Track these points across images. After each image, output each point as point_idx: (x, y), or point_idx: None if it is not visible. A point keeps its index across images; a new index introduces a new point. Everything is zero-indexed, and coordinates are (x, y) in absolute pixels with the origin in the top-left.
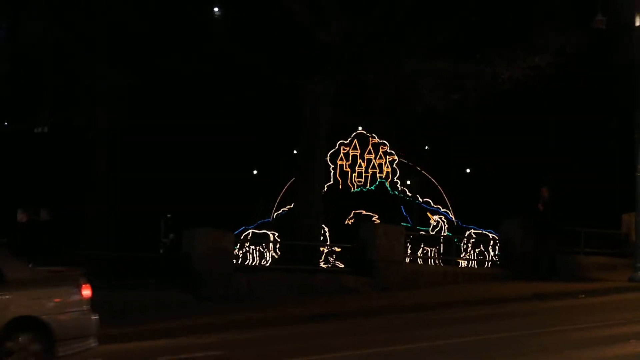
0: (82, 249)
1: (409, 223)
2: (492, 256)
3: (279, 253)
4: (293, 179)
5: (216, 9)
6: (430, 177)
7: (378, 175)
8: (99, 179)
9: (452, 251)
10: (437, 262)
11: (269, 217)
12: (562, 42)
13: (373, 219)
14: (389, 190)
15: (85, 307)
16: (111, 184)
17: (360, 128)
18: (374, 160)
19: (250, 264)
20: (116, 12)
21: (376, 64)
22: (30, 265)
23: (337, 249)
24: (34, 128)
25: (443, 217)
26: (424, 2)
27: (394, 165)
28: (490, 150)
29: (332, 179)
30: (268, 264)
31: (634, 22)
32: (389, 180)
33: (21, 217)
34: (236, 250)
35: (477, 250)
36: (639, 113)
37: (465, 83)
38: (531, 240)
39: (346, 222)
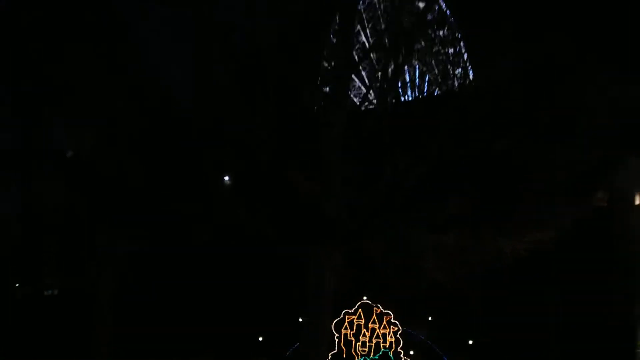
0: None
1: None
2: None
3: None
4: (297, 344)
5: (226, 178)
6: (434, 347)
7: (382, 344)
8: (102, 339)
9: None
10: None
11: None
12: (565, 217)
13: None
14: None
15: None
16: (115, 345)
17: (365, 298)
18: (377, 330)
19: None
20: (122, 175)
21: (381, 238)
22: None
23: None
24: (43, 290)
25: None
26: (428, 178)
27: (398, 335)
28: (493, 322)
29: (336, 348)
30: None
31: (634, 201)
32: (393, 350)
33: None
34: None
35: None
36: None
37: (469, 258)
38: None
39: None
